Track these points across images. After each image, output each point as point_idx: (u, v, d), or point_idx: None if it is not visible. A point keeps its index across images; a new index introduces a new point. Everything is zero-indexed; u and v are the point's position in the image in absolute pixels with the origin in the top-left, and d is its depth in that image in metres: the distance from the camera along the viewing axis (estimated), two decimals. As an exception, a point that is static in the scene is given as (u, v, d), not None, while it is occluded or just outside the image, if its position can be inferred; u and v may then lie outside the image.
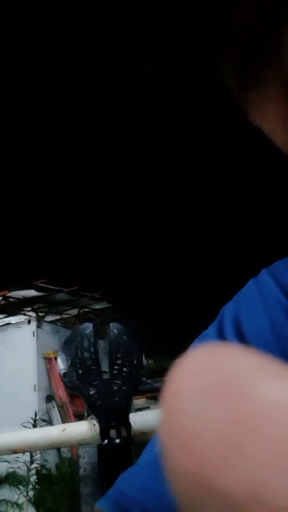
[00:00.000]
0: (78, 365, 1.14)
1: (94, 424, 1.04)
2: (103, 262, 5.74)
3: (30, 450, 1.05)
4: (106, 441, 1.00)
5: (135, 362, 1.19)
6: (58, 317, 6.67)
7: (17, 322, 5.89)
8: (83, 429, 1.03)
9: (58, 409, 5.54)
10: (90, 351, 1.18)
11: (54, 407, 5.55)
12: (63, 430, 1.03)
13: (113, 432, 1.02)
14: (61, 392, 5.60)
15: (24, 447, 1.01)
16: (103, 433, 1.00)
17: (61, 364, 1.16)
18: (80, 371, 1.13)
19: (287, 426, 0.10)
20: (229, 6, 0.29)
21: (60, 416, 5.48)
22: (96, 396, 1.08)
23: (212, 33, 0.31)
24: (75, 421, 5.15)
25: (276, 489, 0.10)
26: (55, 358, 5.77)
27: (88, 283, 5.86)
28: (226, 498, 0.10)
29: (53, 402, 5.58)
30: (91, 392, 1.09)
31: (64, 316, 6.66)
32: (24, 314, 6.29)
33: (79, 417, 5.36)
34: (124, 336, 1.24)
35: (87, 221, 5.21)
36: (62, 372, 1.15)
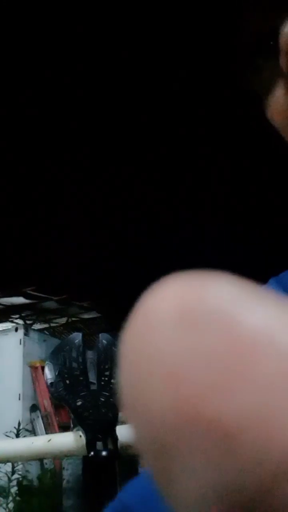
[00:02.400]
0: (66, 375, 1.13)
1: (80, 436, 1.03)
2: (93, 271, 5.72)
3: (14, 460, 1.03)
4: (92, 453, 0.99)
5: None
6: (46, 325, 6.61)
7: (3, 330, 5.83)
8: (69, 440, 1.01)
9: (42, 419, 5.46)
10: (78, 361, 1.17)
11: (38, 417, 5.48)
12: (48, 441, 1.01)
13: (99, 445, 1.01)
14: (46, 402, 5.52)
15: (7, 457, 0.99)
16: (90, 445, 0.99)
17: (48, 374, 1.15)
18: (67, 381, 1.12)
19: (283, 349, 0.09)
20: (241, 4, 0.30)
21: (44, 427, 5.40)
22: (83, 407, 1.07)
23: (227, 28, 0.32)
24: (60, 432, 5.08)
25: (282, 413, 0.09)
26: (41, 367, 5.71)
27: (78, 292, 5.83)
28: (218, 429, 0.09)
29: (38, 412, 5.50)
30: (78, 403, 1.08)
31: (52, 324, 6.61)
32: (12, 322, 6.23)
33: (64, 428, 5.29)
34: (113, 347, 1.23)
35: (78, 229, 5.21)
36: (49, 381, 1.14)
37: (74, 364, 1.18)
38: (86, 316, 6.48)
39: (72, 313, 6.32)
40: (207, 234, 5.23)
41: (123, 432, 1.03)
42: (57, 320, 6.45)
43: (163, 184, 4.78)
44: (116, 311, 6.63)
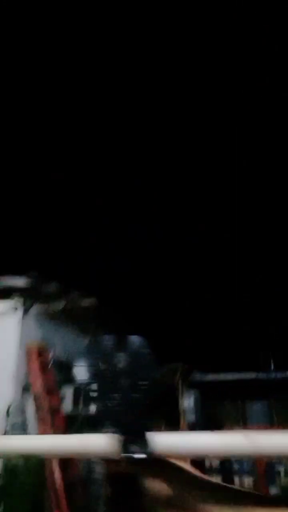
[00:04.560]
0: (98, 377, 1.15)
1: (113, 437, 1.05)
2: (97, 263, 5.73)
3: (47, 457, 1.05)
4: (125, 455, 1.02)
5: (154, 376, 1.20)
6: (44, 308, 6.63)
7: (2, 310, 5.82)
8: (102, 441, 1.03)
9: (33, 401, 5.49)
10: (110, 364, 1.19)
11: (29, 398, 5.50)
12: (81, 441, 1.03)
13: (131, 447, 1.03)
14: (38, 384, 5.54)
15: (41, 453, 1.01)
16: (123, 447, 1.01)
17: (81, 375, 1.17)
18: (100, 383, 1.14)
19: None
20: None
21: (36, 409, 5.44)
22: (115, 409, 1.09)
23: None
24: (49, 415, 5.12)
25: None
26: (37, 348, 5.73)
27: (78, 278, 5.86)
28: None
29: (29, 393, 5.53)
30: (110, 405, 1.10)
31: (50, 308, 6.62)
32: (11, 302, 6.23)
33: (53, 411, 5.33)
34: (144, 350, 1.25)
35: (85, 222, 5.20)
36: (82, 382, 1.16)
37: (106, 366, 1.20)
38: (84, 302, 6.50)
39: (70, 298, 6.33)
40: (207, 237, 5.24)
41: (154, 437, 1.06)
42: (55, 304, 6.46)
43: (165, 187, 4.75)
44: (114, 298, 6.66)
